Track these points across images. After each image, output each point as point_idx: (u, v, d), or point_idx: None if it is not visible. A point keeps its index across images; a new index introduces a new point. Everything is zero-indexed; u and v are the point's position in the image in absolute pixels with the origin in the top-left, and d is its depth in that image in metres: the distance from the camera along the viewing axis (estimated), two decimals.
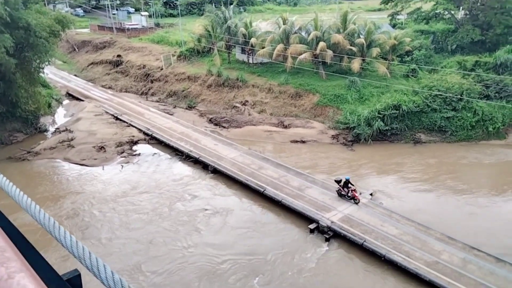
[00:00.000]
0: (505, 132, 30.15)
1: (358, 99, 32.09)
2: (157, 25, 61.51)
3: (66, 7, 76.76)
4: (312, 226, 19.55)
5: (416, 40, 39.00)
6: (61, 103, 40.24)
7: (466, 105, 29.89)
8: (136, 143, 30.33)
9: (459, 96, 29.83)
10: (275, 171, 24.63)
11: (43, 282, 1.20)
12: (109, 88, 44.69)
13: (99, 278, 1.26)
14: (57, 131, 32.69)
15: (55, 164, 27.72)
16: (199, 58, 43.89)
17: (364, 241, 17.91)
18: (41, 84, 36.01)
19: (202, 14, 57.30)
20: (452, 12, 42.16)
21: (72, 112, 37.54)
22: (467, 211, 21.43)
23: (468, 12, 40.75)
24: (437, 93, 30.06)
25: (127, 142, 30.10)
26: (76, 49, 58.60)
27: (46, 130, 33.37)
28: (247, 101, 35.25)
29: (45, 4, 55.58)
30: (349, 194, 20.95)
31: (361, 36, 35.05)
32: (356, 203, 20.68)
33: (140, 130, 32.07)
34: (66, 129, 32.27)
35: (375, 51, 33.40)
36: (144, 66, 45.29)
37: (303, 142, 29.84)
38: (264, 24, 43.38)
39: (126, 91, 43.53)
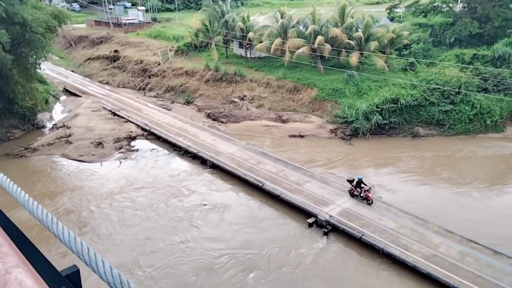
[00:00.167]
0: (503, 125, 30.25)
1: (356, 93, 32.08)
2: (154, 19, 61.16)
3: (62, 2, 76.20)
4: (310, 220, 19.62)
5: (414, 34, 38.94)
6: (59, 99, 40.09)
7: (464, 99, 29.91)
8: (134, 138, 30.28)
9: (457, 90, 29.84)
10: (273, 166, 24.66)
11: (41, 277, 1.20)
12: (107, 83, 44.51)
13: (98, 273, 1.27)
14: (55, 127, 32.60)
15: (53, 161, 27.67)
16: (196, 53, 43.72)
17: (363, 234, 18.00)
18: (38, 80, 35.80)
19: (199, 9, 56.93)
20: (450, 5, 42.06)
21: (70, 108, 37.40)
22: (460, 203, 21.56)
23: (466, 5, 40.64)
24: (435, 86, 30.06)
25: (125, 137, 30.05)
26: (73, 45, 58.26)
27: (43, 126, 33.26)
28: (245, 96, 35.19)
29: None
30: (361, 195, 20.30)
31: (359, 29, 34.94)
32: (369, 204, 20.06)
33: (138, 125, 32.01)
34: (64, 125, 32.18)
35: (373, 44, 33.32)
36: (141, 61, 45.09)
37: (302, 136, 29.85)
38: (261, 18, 43.18)
39: (123, 87, 43.37)
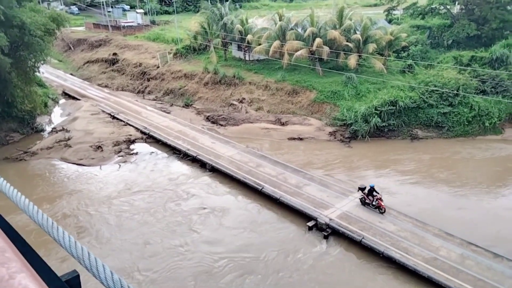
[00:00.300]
0: (501, 127, 30.32)
1: (355, 96, 32.14)
2: (153, 22, 61.28)
3: (61, 5, 76.27)
4: (310, 223, 19.59)
5: (412, 36, 39.09)
6: (58, 103, 40.07)
7: (462, 101, 29.99)
8: (133, 142, 30.26)
9: (455, 92, 29.92)
10: (273, 169, 24.65)
11: (44, 283, 1.19)
12: (106, 86, 44.52)
13: (99, 278, 1.26)
14: (54, 130, 32.56)
15: (52, 164, 27.62)
16: (195, 56, 43.77)
17: (363, 238, 17.97)
18: (37, 84, 35.81)
19: (197, 11, 57.03)
20: (448, 7, 42.25)
21: (69, 111, 37.38)
22: (457, 205, 21.60)
23: (464, 7, 40.83)
24: (434, 88, 30.14)
25: (124, 141, 30.02)
26: (72, 48, 58.30)
27: (42, 130, 33.22)
28: (244, 98, 35.22)
29: (39, 2, 55.19)
30: (374, 203, 19.65)
31: (357, 32, 35.05)
32: (382, 213, 19.42)
33: (137, 129, 32.00)
34: (63, 129, 32.15)
35: (371, 47, 33.42)
36: (140, 64, 45.14)
37: (301, 139, 29.87)
38: (260, 20, 43.28)
39: (122, 90, 43.40)
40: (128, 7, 76.97)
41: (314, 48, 33.96)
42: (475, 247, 17.13)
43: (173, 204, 22.23)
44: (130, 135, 31.02)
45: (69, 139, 30.19)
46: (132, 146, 29.69)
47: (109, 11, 65.50)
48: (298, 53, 34.31)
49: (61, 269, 1.32)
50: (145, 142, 30.49)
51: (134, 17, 60.98)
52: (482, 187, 23.58)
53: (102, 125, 32.82)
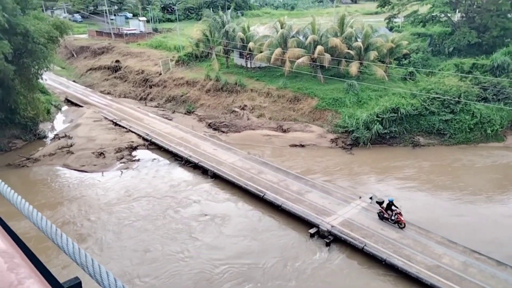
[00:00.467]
0: (503, 135, 30.25)
1: (357, 103, 32.18)
2: (155, 30, 61.72)
3: (64, 13, 76.98)
4: (312, 230, 19.51)
5: (413, 43, 39.22)
6: (60, 109, 40.24)
7: (464, 108, 29.98)
8: (135, 148, 30.30)
9: (457, 99, 29.93)
10: (274, 176, 24.62)
11: None
12: (108, 93, 44.72)
13: (102, 285, 1.26)
14: (56, 137, 32.64)
15: (55, 171, 27.65)
16: (197, 63, 43.99)
17: (365, 245, 17.87)
18: (39, 90, 36.01)
19: (200, 19, 57.43)
20: (449, 14, 42.42)
21: (71, 118, 37.52)
22: (456, 212, 21.56)
23: (464, 15, 41.00)
24: (435, 96, 30.16)
25: (126, 147, 30.07)
26: (75, 55, 58.70)
27: (45, 137, 33.33)
28: (245, 105, 35.30)
29: (43, 10, 55.75)
30: (392, 218, 18.94)
31: (358, 39, 35.19)
32: (402, 228, 18.72)
33: (139, 135, 32.06)
34: (65, 135, 32.24)
35: (372, 54, 33.53)
36: (142, 72, 45.36)
37: (302, 146, 29.86)
38: (261, 28, 43.53)
39: (125, 97, 43.58)
40: (131, 15, 77.62)
41: (315, 55, 34.10)
42: (478, 255, 17.02)
43: (174, 211, 22.19)
44: (132, 141, 31.08)
45: (71, 145, 30.26)
46: (134, 153, 29.73)
47: (112, 19, 66.05)
48: (300, 60, 34.45)
49: (61, 276, 1.33)
50: (147, 148, 30.53)
51: (137, 25, 61.46)
52: (482, 194, 23.49)
53: (104, 132, 32.91)
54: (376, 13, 61.36)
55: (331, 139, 30.36)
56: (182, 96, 39.62)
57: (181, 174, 26.80)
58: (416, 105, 30.08)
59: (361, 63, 34.53)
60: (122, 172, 26.97)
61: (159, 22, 70.29)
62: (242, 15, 68.84)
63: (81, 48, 58.35)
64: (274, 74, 37.68)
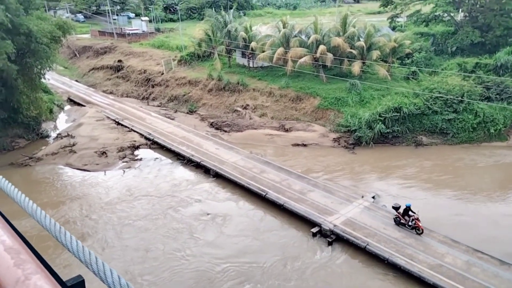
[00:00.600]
0: (506, 134, 30.13)
1: (359, 102, 32.13)
2: (158, 30, 61.82)
3: (67, 13, 77.17)
4: (314, 229, 19.50)
5: (416, 43, 39.10)
6: (63, 109, 40.39)
7: (467, 107, 29.88)
8: (137, 148, 30.37)
9: (460, 98, 29.84)
10: (276, 175, 24.62)
11: (58, 284, 1.21)
12: (110, 93, 44.85)
13: (106, 282, 1.27)
14: (59, 136, 32.77)
15: (57, 170, 27.76)
16: (199, 63, 44.04)
17: (367, 244, 17.85)
18: (42, 90, 36.15)
19: (202, 19, 57.54)
20: (452, 14, 42.28)
21: (74, 117, 37.65)
22: (455, 211, 21.55)
23: (467, 14, 40.86)
24: (438, 95, 30.07)
25: (128, 147, 30.15)
26: (77, 55, 58.87)
27: (48, 136, 33.45)
28: (248, 105, 35.32)
29: (46, 10, 55.92)
30: (410, 223, 18.44)
31: (361, 39, 35.14)
32: (419, 234, 18.22)
33: (141, 135, 32.13)
34: (68, 135, 32.35)
35: (375, 53, 33.47)
36: (145, 71, 45.46)
37: (305, 145, 29.84)
38: (264, 28, 43.53)
39: (127, 96, 43.69)
40: (133, 15, 77.76)
41: (318, 55, 34.07)
42: (481, 254, 16.96)
43: (176, 210, 22.23)
44: (135, 141, 31.15)
45: (74, 145, 30.35)
46: (136, 152, 29.80)
47: (115, 19, 66.19)
48: (302, 60, 34.43)
49: (63, 274, 1.34)
50: (149, 148, 30.59)
51: (139, 25, 61.59)
52: (482, 194, 23.44)
53: (106, 131, 33.00)
54: (379, 12, 61.25)
55: (334, 138, 30.33)
56: (184, 95, 39.67)
57: (183, 173, 26.84)
58: (419, 104, 30.01)
59: (363, 63, 34.48)
60: (124, 171, 27.04)
61: (161, 22, 70.41)
62: (245, 14, 68.80)
63: (83, 48, 58.53)
64: (276, 74, 37.68)
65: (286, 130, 31.77)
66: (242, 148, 28.87)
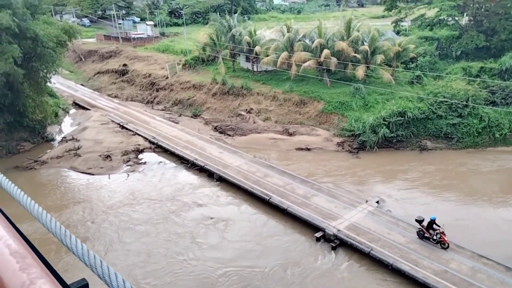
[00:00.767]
0: None
1: (363, 106, 32.06)
2: (162, 34, 62.15)
3: (73, 17, 77.88)
4: (318, 234, 19.42)
5: (420, 47, 39.04)
6: (68, 112, 40.64)
7: (472, 112, 29.73)
8: (141, 151, 30.47)
9: (464, 103, 29.70)
10: (280, 179, 24.58)
11: None
12: (115, 97, 45.08)
13: (111, 286, 1.27)
14: (64, 140, 32.96)
15: (62, 173, 27.89)
16: (204, 67, 44.20)
17: (371, 249, 17.74)
18: (48, 94, 36.43)
19: (206, 23, 57.81)
20: (456, 18, 42.18)
21: (79, 121, 37.86)
22: (456, 217, 21.35)
23: (472, 18, 40.75)
24: (443, 99, 29.95)
25: (133, 150, 30.25)
26: (83, 59, 59.29)
27: (53, 139, 33.65)
28: (252, 109, 35.36)
29: (52, 15, 56.45)
30: (434, 238, 17.73)
31: (365, 43, 35.13)
32: (445, 248, 17.52)
33: (145, 138, 32.24)
34: (73, 138, 32.53)
35: (379, 58, 33.44)
36: (149, 75, 45.68)
37: (308, 149, 29.79)
38: (268, 32, 43.66)
39: (132, 100, 43.89)
40: (139, 19, 78.29)
41: (322, 59, 34.09)
42: (486, 260, 16.80)
43: (180, 214, 22.22)
44: (139, 144, 31.26)
45: (78, 148, 30.51)
46: (140, 156, 29.88)
47: (120, 23, 66.66)
48: (306, 64, 34.46)
49: (65, 278, 1.35)
50: (154, 151, 30.68)
51: (144, 29, 61.98)
52: (483, 198, 23.28)
53: (111, 135, 33.15)
54: (383, 16, 61.23)
55: (338, 142, 30.26)
56: (188, 99, 39.81)
57: (187, 177, 26.87)
58: (423, 108, 29.90)
59: (367, 67, 34.45)
60: (128, 174, 27.11)
61: (166, 26, 70.80)
62: (249, 19, 69.06)
63: (89, 52, 58.93)
64: (280, 78, 37.72)
65: (290, 134, 31.75)
66: (246, 152, 28.87)
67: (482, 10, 39.45)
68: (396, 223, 19.73)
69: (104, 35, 63.81)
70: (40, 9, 32.27)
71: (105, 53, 55.55)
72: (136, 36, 59.07)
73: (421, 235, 18.28)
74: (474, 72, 34.02)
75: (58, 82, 47.68)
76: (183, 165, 28.25)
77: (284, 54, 35.59)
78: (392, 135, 29.22)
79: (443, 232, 17.60)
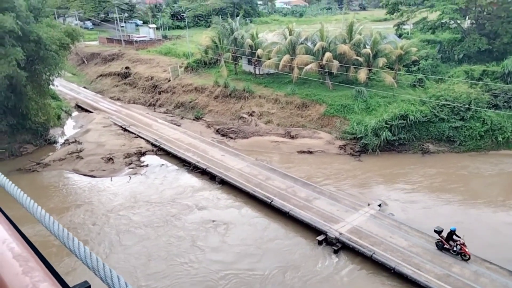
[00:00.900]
0: None
1: (365, 109, 32.04)
2: (165, 37, 62.37)
3: (76, 20, 78.26)
4: (320, 237, 19.37)
5: (422, 50, 39.00)
6: (70, 115, 40.77)
7: (474, 115, 29.66)
8: (144, 154, 30.51)
9: (467, 106, 29.64)
10: (282, 182, 24.55)
11: None
12: (118, 99, 45.21)
13: None
14: (66, 142, 33.04)
15: (64, 176, 27.94)
16: (206, 70, 44.30)
17: (373, 253, 17.68)
18: (50, 96, 36.54)
19: (209, 26, 57.98)
20: (458, 21, 42.15)
21: (81, 123, 37.97)
22: (456, 220, 21.14)
23: (474, 21, 40.72)
24: (445, 102, 29.90)
25: (135, 153, 30.29)
26: (85, 62, 59.53)
27: (55, 142, 33.74)
28: (254, 111, 35.39)
29: (55, 18, 56.74)
30: (455, 249, 17.13)
31: (367, 46, 35.15)
32: (466, 260, 16.89)
33: (148, 141, 32.29)
34: (75, 141, 32.61)
35: (381, 61, 33.44)
36: (152, 78, 45.81)
37: (310, 152, 29.77)
38: (270, 35, 43.71)
39: (134, 103, 44.00)
40: (141, 22, 78.57)
41: (323, 62, 34.12)
42: (489, 264, 16.72)
43: (181, 217, 22.21)
44: (141, 147, 31.30)
45: (81, 151, 30.58)
46: (142, 158, 29.92)
47: (123, 26, 66.90)
48: (308, 67, 34.50)
49: (66, 280, 1.35)
50: (156, 154, 30.71)
51: (147, 32, 62.20)
52: (483, 202, 23.21)
53: (113, 137, 33.21)
54: (385, 20, 61.24)
55: (340, 145, 30.23)
56: (190, 102, 39.88)
57: (189, 180, 26.87)
58: (425, 112, 29.85)
59: (369, 70, 34.45)
60: (130, 177, 27.14)
61: (168, 29, 71.04)
62: (251, 22, 69.22)
63: (91, 55, 59.18)
64: (282, 81, 37.76)
65: (292, 137, 31.74)
66: (248, 155, 28.87)
67: (484, 13, 39.43)
68: (398, 226, 19.66)
69: (107, 38, 64.07)
70: (43, 12, 32.44)
71: (107, 56, 55.76)
72: (138, 39, 59.29)
73: (440, 246, 17.63)
74: (476, 75, 33.94)
75: (61, 85, 47.82)
76: (185, 168, 28.26)
77: (286, 57, 35.64)
78: (394, 138, 29.16)
79: (463, 243, 16.96)
